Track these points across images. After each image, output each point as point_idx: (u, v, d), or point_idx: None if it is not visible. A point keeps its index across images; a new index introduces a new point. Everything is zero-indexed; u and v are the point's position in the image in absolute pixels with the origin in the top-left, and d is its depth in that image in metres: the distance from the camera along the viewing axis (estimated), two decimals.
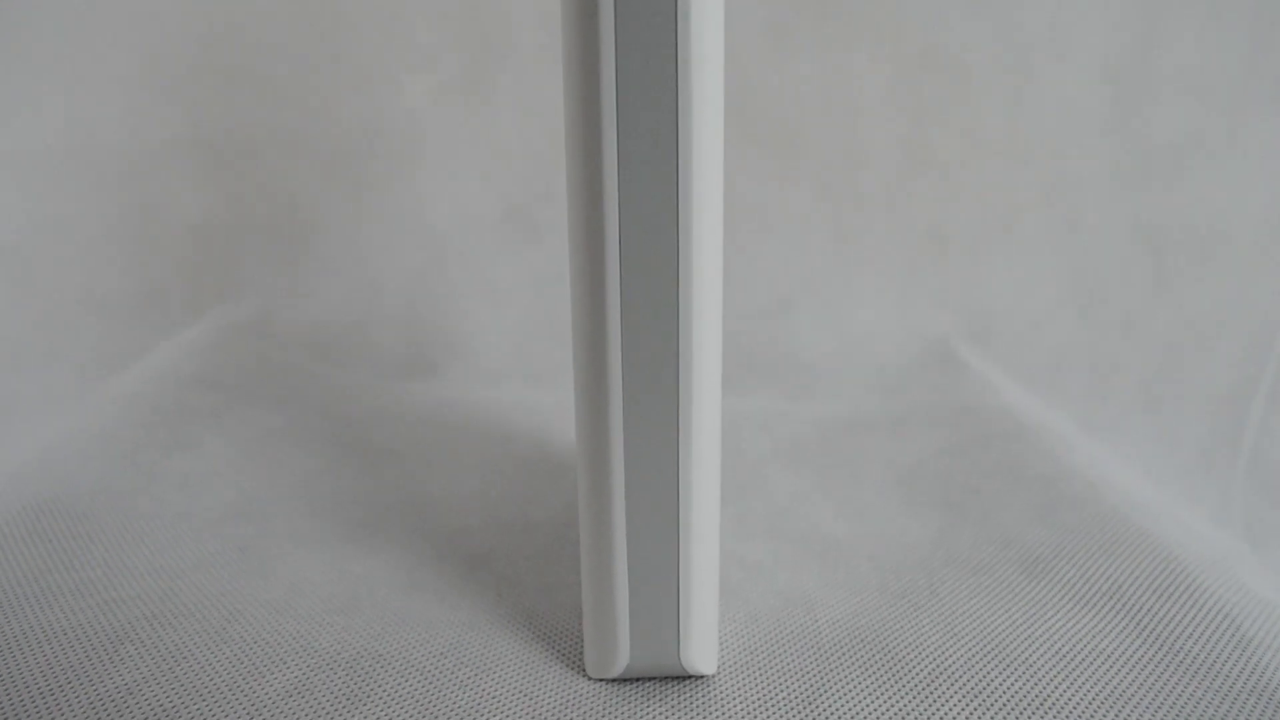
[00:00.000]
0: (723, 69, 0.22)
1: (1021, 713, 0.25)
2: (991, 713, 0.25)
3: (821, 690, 0.25)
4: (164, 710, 0.24)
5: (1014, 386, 0.49)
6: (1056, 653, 0.27)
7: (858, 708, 0.25)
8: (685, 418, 0.24)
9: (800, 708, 0.25)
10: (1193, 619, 0.29)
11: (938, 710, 0.25)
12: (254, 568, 0.31)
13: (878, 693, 0.25)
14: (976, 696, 0.25)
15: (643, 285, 0.23)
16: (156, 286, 0.57)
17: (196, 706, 0.24)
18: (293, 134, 0.57)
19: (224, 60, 0.56)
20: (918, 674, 0.26)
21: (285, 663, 0.26)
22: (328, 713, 0.24)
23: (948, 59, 0.53)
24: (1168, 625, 0.29)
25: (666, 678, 0.26)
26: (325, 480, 0.38)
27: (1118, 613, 0.29)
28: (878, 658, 0.27)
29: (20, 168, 0.55)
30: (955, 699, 0.25)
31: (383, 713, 0.24)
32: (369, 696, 0.25)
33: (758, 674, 0.26)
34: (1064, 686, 0.26)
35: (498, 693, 0.25)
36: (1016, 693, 0.25)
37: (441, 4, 0.55)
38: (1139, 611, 0.29)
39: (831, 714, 0.24)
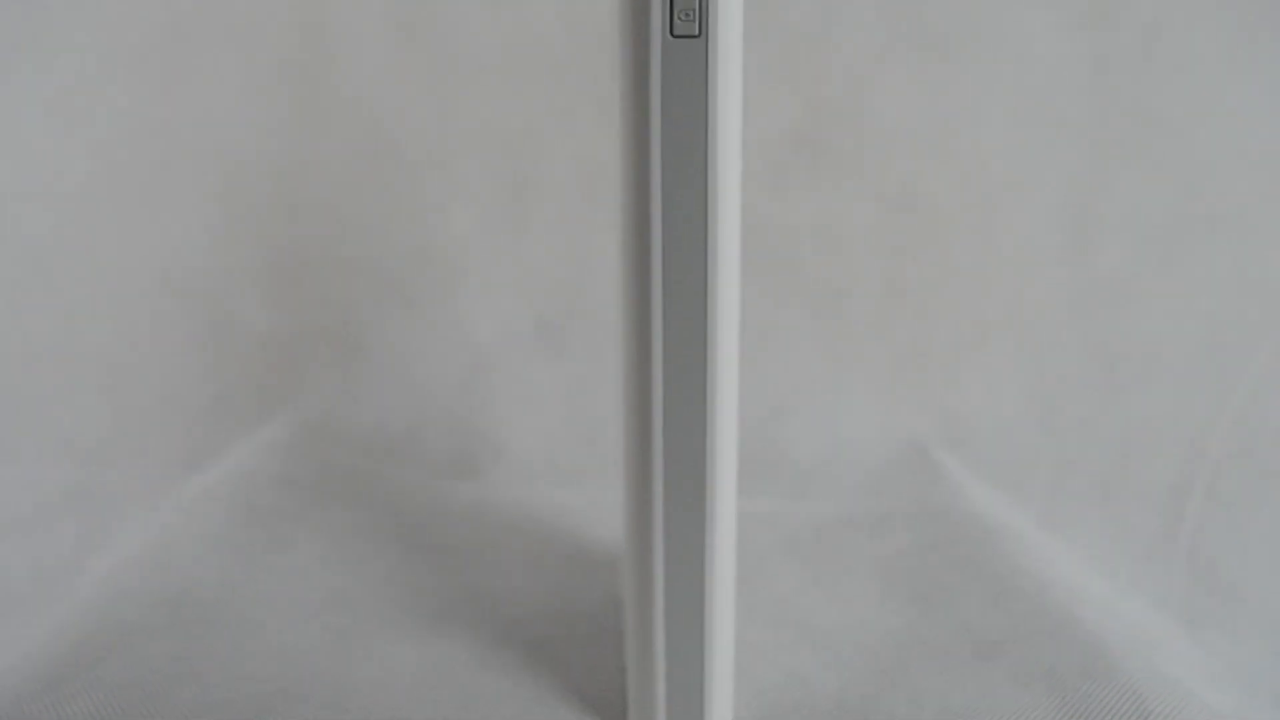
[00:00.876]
0: (739, 187, 0.29)
1: None
2: None
3: None
4: None
5: (981, 488, 0.56)
6: (997, 716, 0.35)
7: None
8: (711, 522, 0.31)
9: None
10: (1108, 695, 0.36)
11: None
12: (354, 651, 0.38)
13: None
14: None
15: (679, 411, 0.30)
16: (228, 391, 0.64)
17: None
18: (350, 257, 0.64)
19: (292, 192, 0.64)
20: None
21: None
22: None
23: (922, 199, 0.61)
24: (1088, 701, 0.36)
25: None
26: (400, 575, 0.45)
27: (1050, 690, 0.37)
28: None
29: (110, 285, 0.63)
30: None
31: None
32: None
33: None
34: None
35: None
36: None
37: (484, 146, 0.63)
38: (1066, 689, 0.37)
39: None
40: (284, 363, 0.64)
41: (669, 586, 0.32)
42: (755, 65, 0.59)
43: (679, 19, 0.27)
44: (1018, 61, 0.60)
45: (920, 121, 0.60)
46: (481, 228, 0.63)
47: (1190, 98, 0.59)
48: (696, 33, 0.27)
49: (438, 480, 0.57)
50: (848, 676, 0.37)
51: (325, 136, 0.63)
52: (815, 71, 0.60)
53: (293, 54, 0.62)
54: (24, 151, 0.61)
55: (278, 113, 0.63)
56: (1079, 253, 0.61)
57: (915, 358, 0.61)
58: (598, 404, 0.61)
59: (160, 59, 0.62)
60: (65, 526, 0.53)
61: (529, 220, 0.62)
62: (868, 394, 0.61)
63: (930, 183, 0.61)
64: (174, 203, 0.63)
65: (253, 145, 0.63)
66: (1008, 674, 0.38)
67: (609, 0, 0.30)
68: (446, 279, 0.63)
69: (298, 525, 0.49)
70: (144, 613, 0.41)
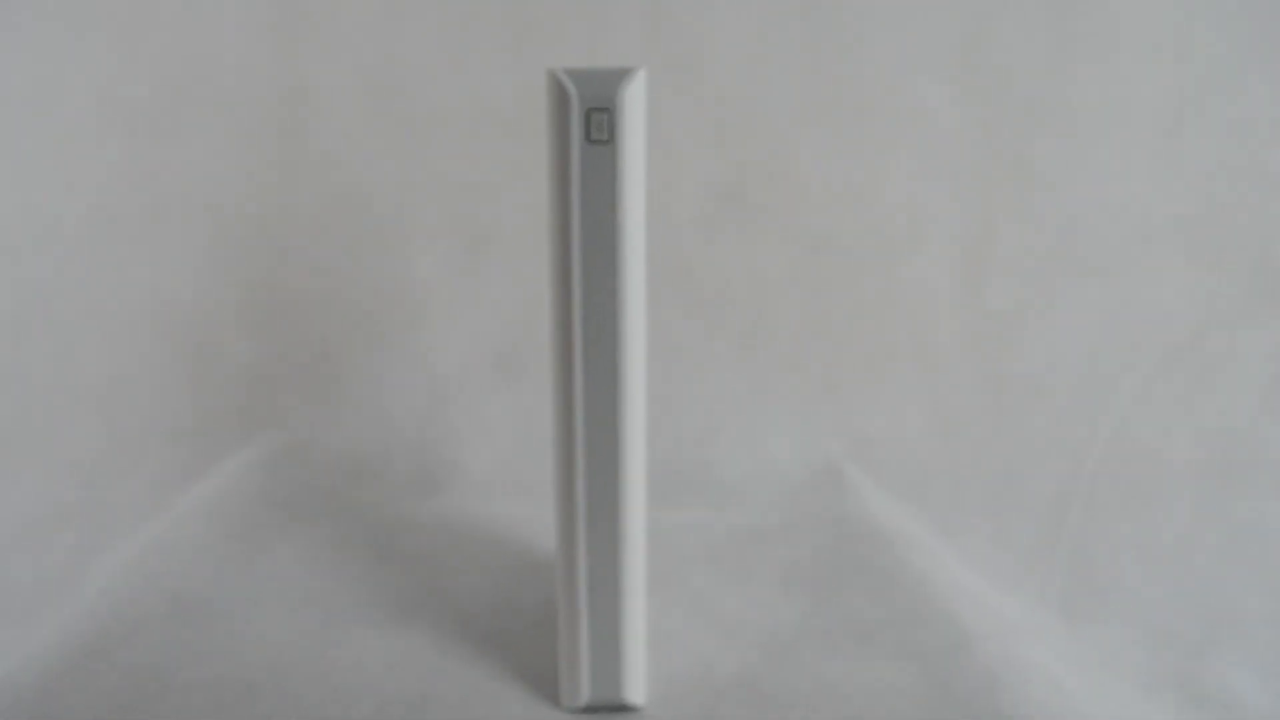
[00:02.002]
0: (644, 260, 0.36)
1: None
2: None
3: (715, 716, 0.40)
4: None
5: (883, 500, 0.63)
6: (869, 689, 0.42)
7: None
8: (624, 530, 0.39)
9: None
10: (965, 670, 0.44)
11: None
12: (332, 640, 0.45)
13: (751, 716, 0.40)
14: (815, 718, 0.40)
15: (597, 437, 0.37)
16: (213, 416, 0.70)
17: None
18: (324, 296, 0.70)
19: (272, 238, 0.70)
20: (776, 704, 0.41)
21: (364, 699, 0.40)
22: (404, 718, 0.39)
23: (834, 245, 0.68)
24: (948, 675, 0.43)
25: (613, 707, 0.40)
26: (369, 577, 0.52)
27: (916, 667, 0.44)
28: (752, 695, 0.41)
29: (105, 320, 0.68)
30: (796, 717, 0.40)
31: None
32: (427, 716, 0.39)
33: (673, 705, 0.41)
34: (871, 710, 0.40)
35: (507, 716, 0.40)
36: (838, 715, 0.40)
37: (445, 198, 0.69)
38: (929, 665, 0.44)
39: None
40: (264, 391, 0.70)
41: (591, 581, 0.39)
42: (686, 131, 0.66)
43: (594, 130, 0.34)
44: (918, 127, 0.67)
45: (833, 178, 0.68)
46: (443, 270, 0.69)
47: (1066, 158, 0.66)
48: (606, 139, 0.34)
49: (403, 497, 0.64)
50: (746, 657, 0.44)
51: (302, 188, 0.69)
52: (740, 136, 0.67)
53: (274, 113, 0.68)
54: (26, 198, 0.67)
55: (260, 166, 0.69)
56: (972, 292, 0.68)
57: (829, 385, 0.68)
58: (547, 428, 0.68)
59: (152, 115, 0.68)
60: (65, 538, 0.59)
61: (486, 264, 0.69)
62: (787, 418, 0.68)
63: (842, 231, 0.68)
64: (164, 246, 0.69)
65: (236, 195, 0.69)
66: (882, 654, 0.45)
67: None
68: (412, 316, 0.70)
69: (278, 536, 0.56)
70: (148, 609, 0.47)
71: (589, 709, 0.40)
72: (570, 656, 0.40)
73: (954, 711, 0.41)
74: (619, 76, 0.34)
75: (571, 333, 0.36)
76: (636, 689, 0.40)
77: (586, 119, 0.34)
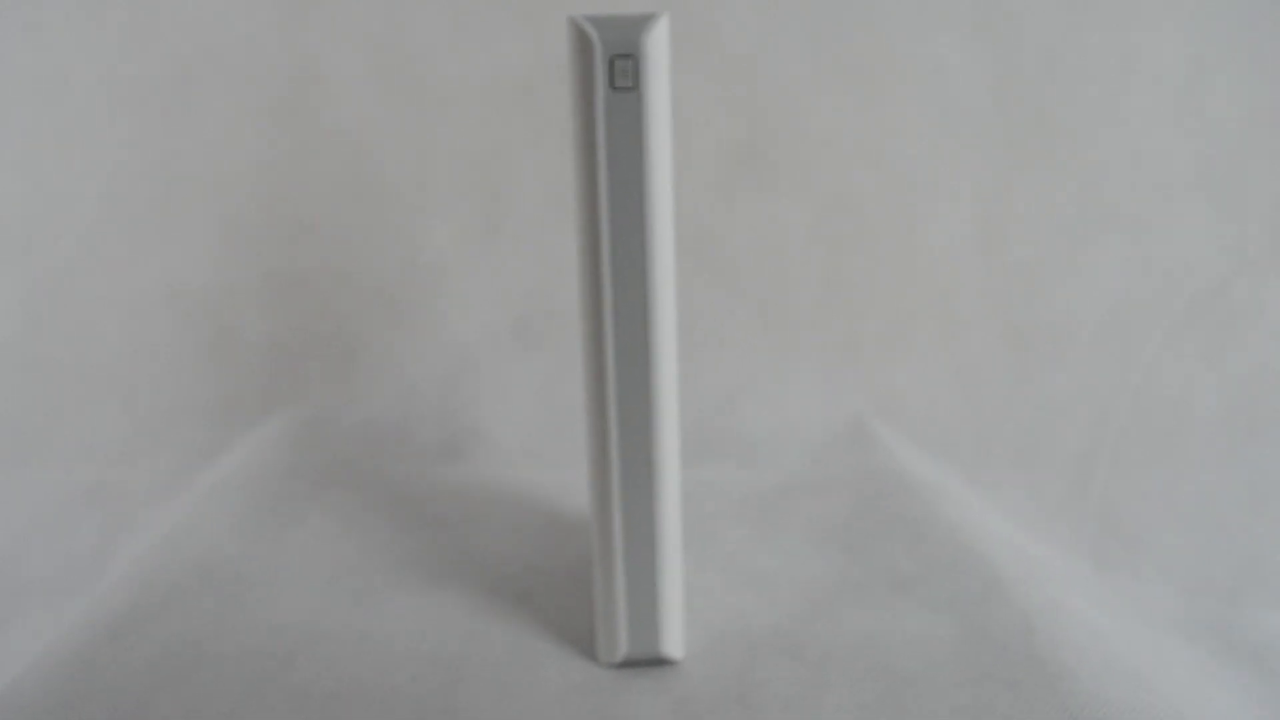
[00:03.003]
0: (673, 224, 0.36)
1: (878, 681, 0.39)
2: (861, 684, 0.39)
3: (753, 668, 0.40)
4: (331, 693, 0.39)
5: (910, 453, 0.63)
6: (906, 639, 0.42)
7: (775, 678, 0.39)
8: (659, 488, 0.39)
9: (737, 679, 0.39)
10: (1000, 617, 0.43)
11: (825, 678, 0.39)
12: (369, 607, 0.45)
13: (788, 667, 0.40)
14: (853, 669, 0.40)
15: (630, 398, 0.37)
16: (233, 394, 0.70)
17: (351, 688, 0.39)
18: (341, 270, 0.70)
19: (286, 214, 0.70)
20: (813, 656, 0.41)
21: (403, 664, 0.40)
22: (442, 681, 0.39)
23: (852, 204, 0.68)
24: (983, 622, 0.43)
25: (651, 661, 0.40)
26: (401, 544, 0.52)
27: (951, 614, 0.44)
28: (789, 647, 0.41)
29: (123, 301, 0.69)
30: (837, 671, 0.40)
31: (477, 683, 0.39)
32: (466, 677, 0.39)
33: (711, 659, 0.41)
34: (908, 659, 0.40)
35: (545, 673, 0.40)
36: (875, 665, 0.40)
37: (459, 168, 0.69)
38: (965, 613, 0.44)
39: (759, 683, 0.39)
40: (284, 366, 0.70)
41: (627, 537, 0.39)
42: (702, 91, 0.66)
43: (618, 77, 0.34)
44: (932, 79, 0.67)
45: (851, 136, 0.67)
46: (459, 240, 0.69)
47: (1085, 107, 0.66)
48: (631, 85, 0.34)
49: (427, 465, 0.64)
50: (782, 610, 0.44)
51: (316, 163, 0.69)
52: (756, 95, 0.67)
53: (286, 89, 0.68)
54: (41, 181, 0.67)
55: (273, 142, 0.69)
56: (992, 246, 0.67)
57: (850, 343, 0.68)
58: (568, 394, 0.68)
59: (164, 94, 0.68)
60: (92, 518, 0.59)
61: (502, 232, 0.69)
62: (810, 377, 0.68)
63: (859, 188, 0.68)
64: (179, 225, 0.69)
65: (250, 172, 0.69)
66: (917, 603, 0.45)
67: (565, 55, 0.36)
68: (430, 287, 0.70)
69: (307, 507, 0.56)
70: (182, 580, 0.47)
71: (626, 663, 0.40)
72: (607, 612, 0.40)
73: (991, 658, 0.41)
74: (642, 22, 0.34)
75: (601, 287, 0.36)
76: (674, 643, 0.40)
77: (610, 66, 0.34)
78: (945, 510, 0.54)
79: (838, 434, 0.65)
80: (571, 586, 0.47)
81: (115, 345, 0.68)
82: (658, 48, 0.34)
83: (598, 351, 0.37)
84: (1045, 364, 0.67)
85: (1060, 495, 0.64)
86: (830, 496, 0.57)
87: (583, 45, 0.34)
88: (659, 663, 0.40)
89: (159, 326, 0.69)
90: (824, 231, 0.68)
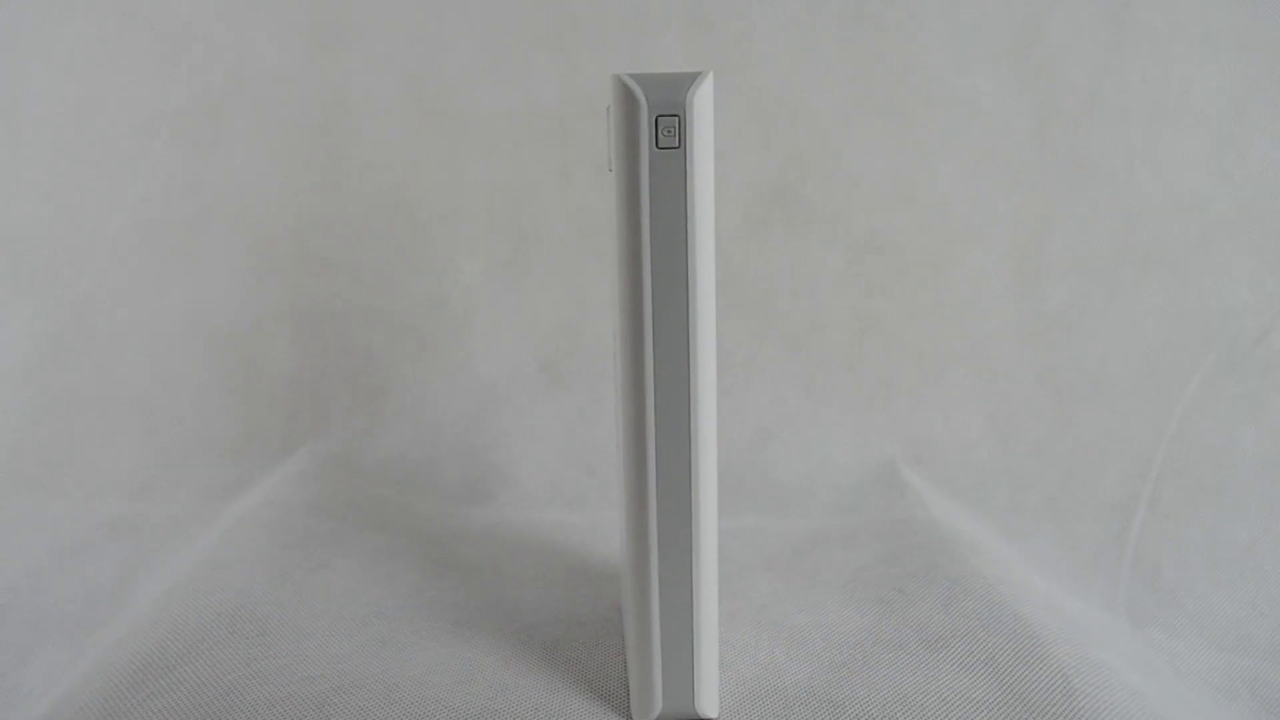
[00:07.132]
0: (713, 267, 0.35)
1: None
2: None
3: None
4: None
5: (943, 502, 0.62)
6: (943, 701, 0.41)
7: None
8: (697, 538, 0.38)
9: None
10: (1038, 677, 0.43)
11: None
12: (395, 655, 0.45)
13: None
14: None
15: (669, 442, 0.37)
16: (259, 429, 0.70)
17: None
18: (369, 305, 0.70)
19: (315, 248, 0.70)
20: (849, 716, 0.40)
21: (435, 714, 0.40)
22: None
23: (886, 244, 0.67)
24: (1021, 682, 0.42)
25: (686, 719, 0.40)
26: (428, 589, 0.51)
27: (989, 674, 0.43)
28: (824, 706, 0.40)
29: (149, 335, 0.69)
30: None
31: None
32: None
33: (746, 717, 0.40)
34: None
35: None
36: None
37: (489, 204, 0.69)
38: (1003, 673, 0.43)
39: None
40: (310, 402, 0.70)
41: (663, 594, 0.38)
42: (734, 130, 0.66)
43: (662, 135, 0.33)
44: (969, 120, 0.66)
45: (884, 176, 0.67)
46: (487, 277, 0.69)
47: (1123, 150, 0.65)
48: (676, 145, 0.34)
49: (453, 506, 0.63)
50: (815, 667, 0.43)
51: (345, 197, 0.69)
52: (789, 134, 0.67)
53: (316, 123, 0.68)
54: (69, 210, 0.67)
55: (302, 176, 0.69)
56: (1028, 290, 0.67)
57: (883, 387, 0.67)
58: (595, 434, 0.68)
59: (195, 126, 0.68)
60: (114, 552, 0.59)
61: (530, 270, 0.69)
62: (841, 420, 0.67)
63: (894, 229, 0.67)
64: (207, 258, 0.69)
65: (279, 205, 0.69)
66: (953, 662, 0.44)
67: (606, 93, 0.36)
68: (457, 324, 0.69)
69: (332, 548, 0.55)
70: (207, 625, 0.47)
71: None
72: (642, 669, 0.39)
73: (1023, 712, 0.40)
74: (687, 81, 0.33)
75: (643, 343, 0.35)
76: (710, 701, 0.39)
77: (655, 125, 0.33)
78: (979, 564, 0.53)
79: (869, 480, 0.64)
80: (602, 638, 0.46)
81: (139, 377, 0.68)
82: (703, 107, 0.33)
83: (638, 414, 0.36)
84: (1081, 410, 0.66)
85: (1096, 546, 0.63)
86: (862, 547, 0.56)
87: (628, 103, 0.33)
88: None
89: (184, 359, 0.69)
90: (857, 270, 0.67)
